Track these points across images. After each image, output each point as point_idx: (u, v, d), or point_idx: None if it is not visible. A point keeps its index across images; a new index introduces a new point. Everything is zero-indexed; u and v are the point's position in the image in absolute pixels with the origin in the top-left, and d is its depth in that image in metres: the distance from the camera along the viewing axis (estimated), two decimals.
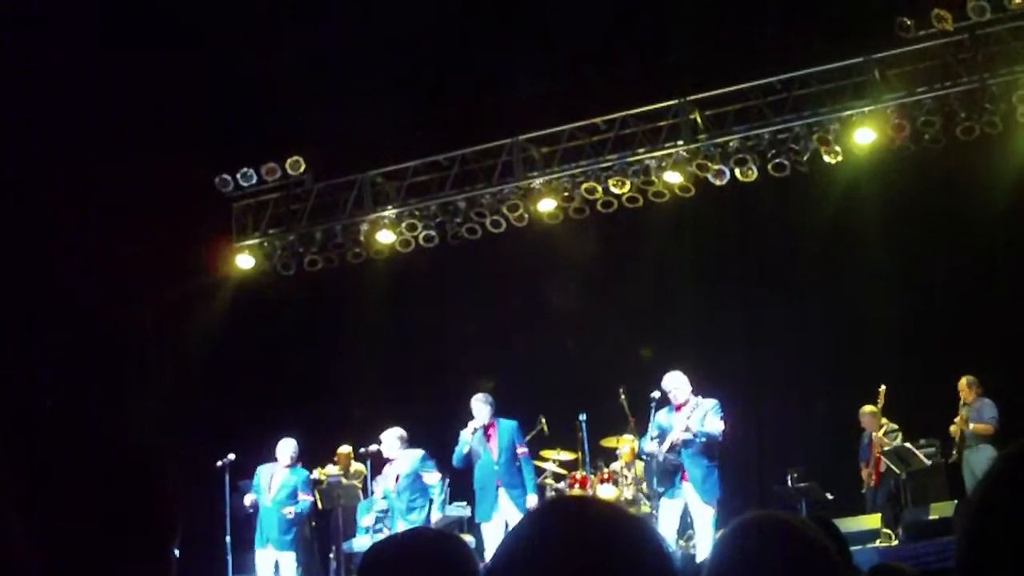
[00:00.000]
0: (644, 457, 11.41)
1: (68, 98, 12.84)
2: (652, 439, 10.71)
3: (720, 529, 10.38)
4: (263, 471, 11.88)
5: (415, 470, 11.23)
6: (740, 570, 2.15)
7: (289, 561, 11.77)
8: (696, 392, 10.78)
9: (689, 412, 10.61)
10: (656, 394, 10.89)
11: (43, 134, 12.83)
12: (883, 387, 12.31)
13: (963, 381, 12.13)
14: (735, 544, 2.19)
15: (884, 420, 12.45)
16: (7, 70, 12.34)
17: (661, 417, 10.80)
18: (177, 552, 1.72)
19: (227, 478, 11.99)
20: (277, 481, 11.80)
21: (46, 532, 1.52)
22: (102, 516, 1.63)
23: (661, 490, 10.69)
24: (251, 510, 11.80)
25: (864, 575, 4.04)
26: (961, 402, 12.14)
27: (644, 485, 11.74)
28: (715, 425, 10.53)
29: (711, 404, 10.65)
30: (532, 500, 10.90)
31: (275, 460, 11.90)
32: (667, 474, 10.62)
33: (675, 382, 10.74)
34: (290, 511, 11.70)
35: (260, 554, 11.79)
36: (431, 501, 11.25)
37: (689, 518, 10.77)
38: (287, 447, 11.89)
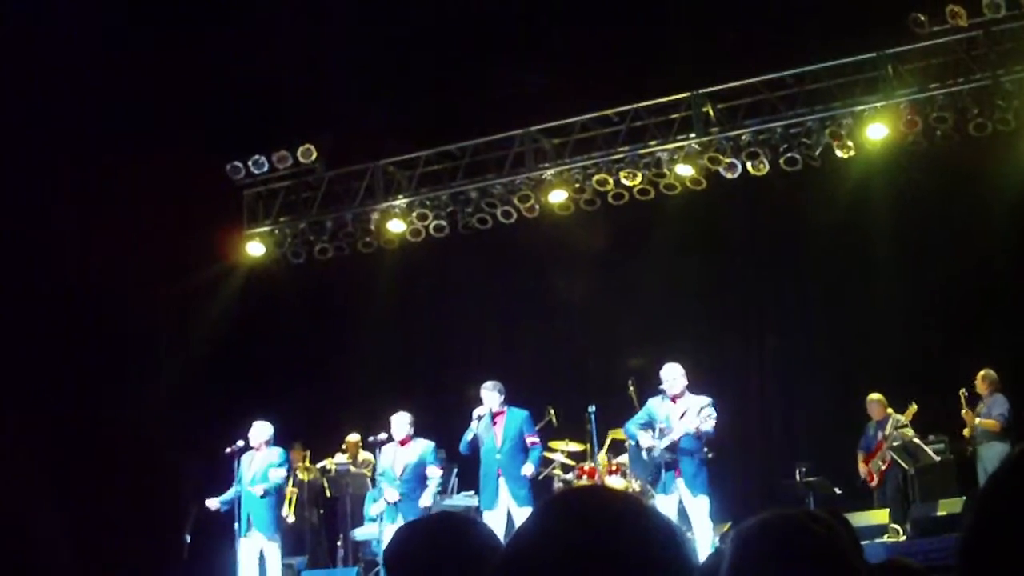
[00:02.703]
0: (632, 442, 11.33)
1: (78, 86, 12.86)
2: (641, 425, 10.74)
3: (718, 524, 10.48)
4: (244, 459, 11.75)
5: (423, 460, 11.24)
6: (754, 571, 2.16)
7: (274, 551, 11.56)
8: (691, 389, 10.80)
9: (685, 407, 10.64)
10: (664, 386, 10.90)
11: (54, 122, 12.84)
12: (914, 406, 12.28)
13: (980, 375, 12.14)
14: (747, 546, 2.19)
15: (890, 410, 12.46)
16: (14, 57, 12.35)
17: (654, 405, 10.82)
18: (188, 537, 1.74)
19: (237, 465, 12.00)
20: (255, 465, 11.70)
21: (61, 524, 1.54)
22: (114, 504, 1.65)
23: (650, 479, 10.77)
24: (224, 507, 11.52)
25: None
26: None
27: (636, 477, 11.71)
28: (710, 424, 10.56)
29: (707, 402, 10.66)
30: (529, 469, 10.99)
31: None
32: (658, 468, 10.65)
33: (673, 373, 10.77)
34: (259, 489, 11.54)
35: (244, 543, 11.49)
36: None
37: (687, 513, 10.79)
38: (258, 429, 11.73)
